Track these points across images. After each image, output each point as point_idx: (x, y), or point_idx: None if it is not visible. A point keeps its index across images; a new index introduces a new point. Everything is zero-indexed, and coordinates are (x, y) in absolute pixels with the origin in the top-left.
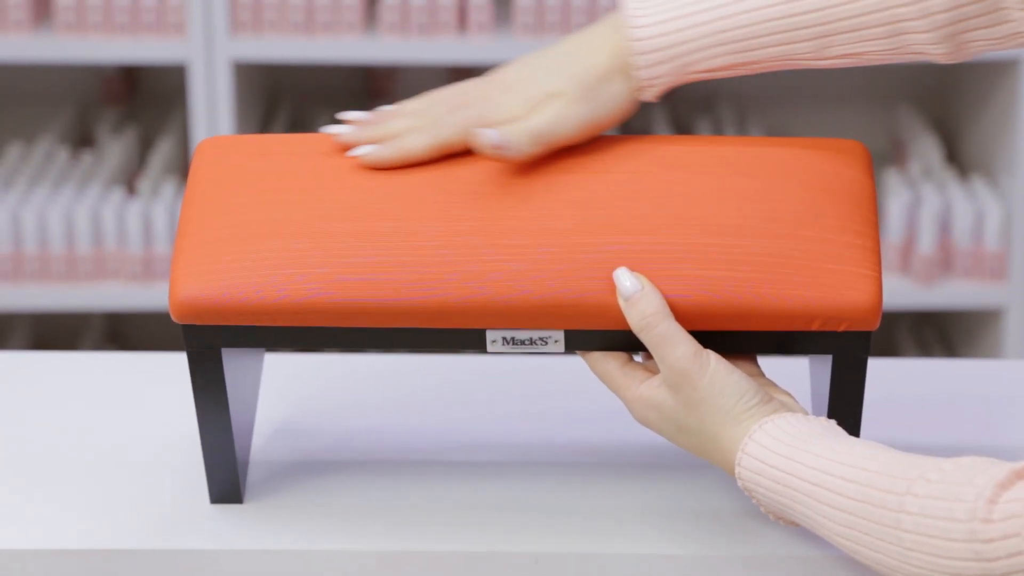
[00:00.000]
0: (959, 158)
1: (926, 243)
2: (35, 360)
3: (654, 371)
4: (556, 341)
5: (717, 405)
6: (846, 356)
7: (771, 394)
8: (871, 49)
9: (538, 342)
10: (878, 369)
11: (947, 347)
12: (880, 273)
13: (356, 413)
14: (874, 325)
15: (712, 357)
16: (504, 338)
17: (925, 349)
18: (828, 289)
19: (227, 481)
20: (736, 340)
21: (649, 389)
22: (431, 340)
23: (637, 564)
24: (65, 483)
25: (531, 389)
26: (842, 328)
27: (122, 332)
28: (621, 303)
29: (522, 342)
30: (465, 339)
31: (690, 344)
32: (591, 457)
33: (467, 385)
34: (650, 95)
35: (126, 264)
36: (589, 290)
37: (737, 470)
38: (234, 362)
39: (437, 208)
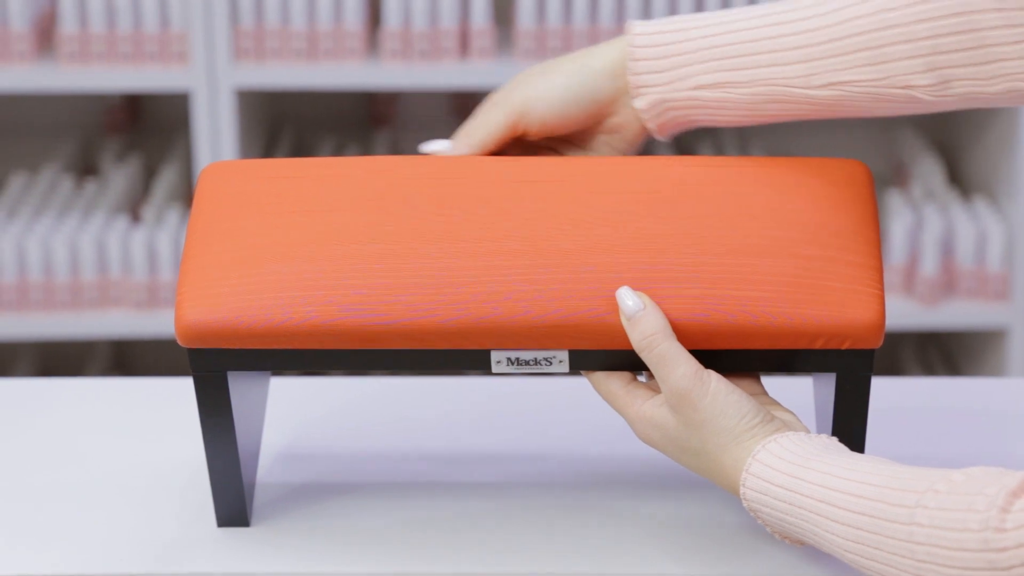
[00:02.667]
0: (961, 179)
1: (929, 264)
2: (39, 386)
3: (657, 390)
4: (560, 361)
5: (719, 426)
6: (850, 374)
7: (773, 413)
8: (857, 78)
9: (542, 362)
10: (882, 388)
11: (951, 368)
12: (882, 291)
13: (362, 436)
14: (877, 343)
15: (713, 377)
16: (509, 359)
17: (929, 370)
18: (831, 308)
19: (234, 505)
20: (739, 359)
21: (652, 408)
22: (436, 361)
23: None
24: (71, 508)
25: (535, 411)
26: (845, 346)
27: (128, 360)
28: (623, 322)
29: (526, 362)
30: (470, 360)
31: (691, 364)
32: (595, 477)
33: (472, 408)
34: (643, 104)
35: (131, 292)
36: (593, 309)
37: (742, 491)
38: (240, 386)
39: (440, 230)
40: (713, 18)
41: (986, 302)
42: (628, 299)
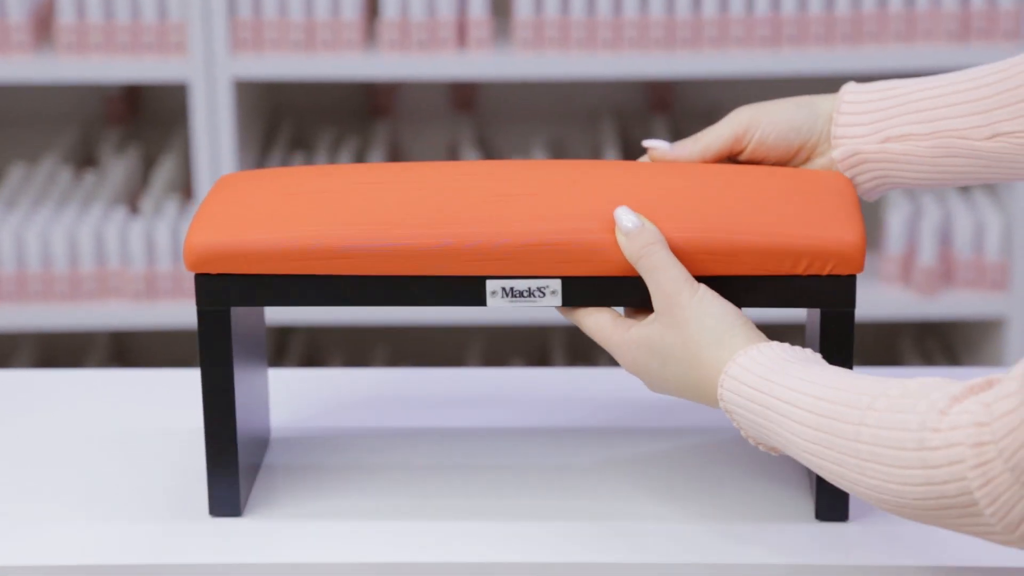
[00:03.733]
0: None
1: (927, 254)
2: (36, 377)
3: (643, 317)
4: (553, 292)
5: (703, 325)
6: (834, 308)
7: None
8: (1020, 128)
9: (536, 293)
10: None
11: (950, 357)
12: (863, 228)
13: (355, 427)
14: (859, 267)
15: (702, 285)
16: (504, 288)
17: (928, 360)
18: (813, 228)
19: (227, 492)
20: (723, 286)
21: (638, 328)
22: (432, 292)
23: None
24: (66, 498)
25: (534, 401)
26: (828, 270)
27: (127, 351)
28: (620, 238)
29: (520, 293)
30: (465, 291)
31: (683, 271)
32: (596, 466)
33: (470, 397)
34: (839, 154)
35: (129, 283)
36: (586, 228)
37: (719, 391)
38: (242, 362)
39: (444, 184)
40: (915, 80)
41: (984, 292)
42: (626, 217)
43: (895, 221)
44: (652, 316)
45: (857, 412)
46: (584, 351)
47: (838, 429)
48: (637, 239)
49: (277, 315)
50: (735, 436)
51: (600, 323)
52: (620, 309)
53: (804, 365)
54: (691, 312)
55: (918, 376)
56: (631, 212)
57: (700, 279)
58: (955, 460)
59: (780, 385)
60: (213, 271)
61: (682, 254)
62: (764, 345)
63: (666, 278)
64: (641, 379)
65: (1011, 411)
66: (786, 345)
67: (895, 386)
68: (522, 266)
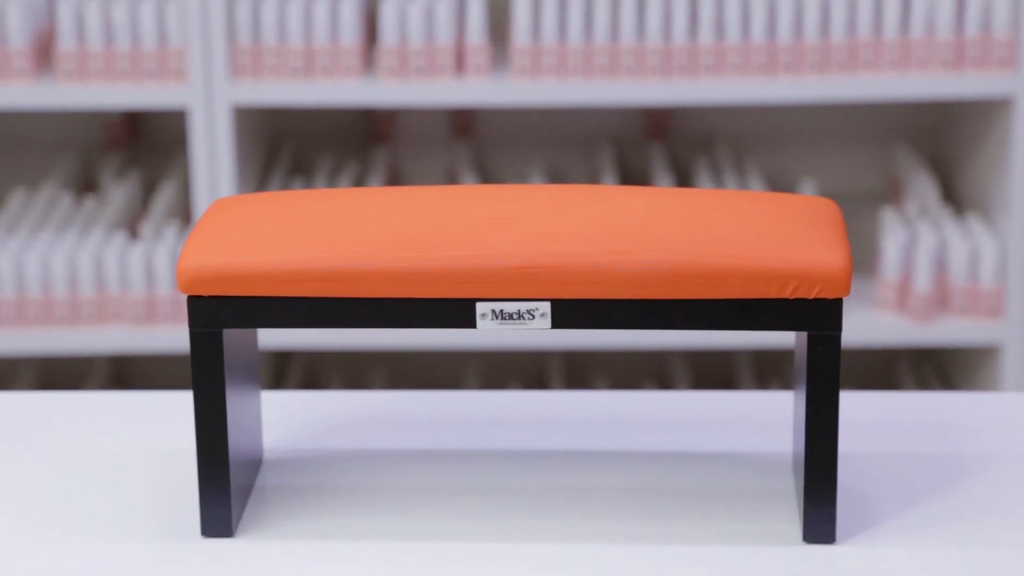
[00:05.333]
0: (955, 196)
1: (923, 281)
2: (31, 399)
3: None
4: (543, 315)
5: None
6: (820, 331)
7: None
8: None
9: (525, 315)
10: (877, 402)
11: (946, 384)
12: (849, 252)
13: (349, 448)
14: (846, 290)
15: None
16: (493, 311)
17: (924, 386)
18: (800, 252)
19: (219, 513)
20: (713, 310)
21: None
22: (423, 314)
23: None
24: (60, 517)
25: (530, 424)
26: (815, 293)
27: (127, 375)
28: None
29: (510, 316)
30: (456, 313)
31: None
32: (588, 489)
33: (466, 420)
34: None
35: (129, 307)
36: (574, 251)
37: None
38: (235, 384)
39: (435, 210)
40: None
41: (980, 319)
42: None
43: (891, 247)
44: None
45: None
46: (581, 375)
47: None
48: None
49: (275, 339)
50: (726, 460)
51: None
52: None
53: None
54: None
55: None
56: None
57: (687, 302)
58: None
59: None
60: (206, 293)
61: (670, 278)
62: None
63: None
64: None
65: None
66: None
67: None
68: (512, 289)
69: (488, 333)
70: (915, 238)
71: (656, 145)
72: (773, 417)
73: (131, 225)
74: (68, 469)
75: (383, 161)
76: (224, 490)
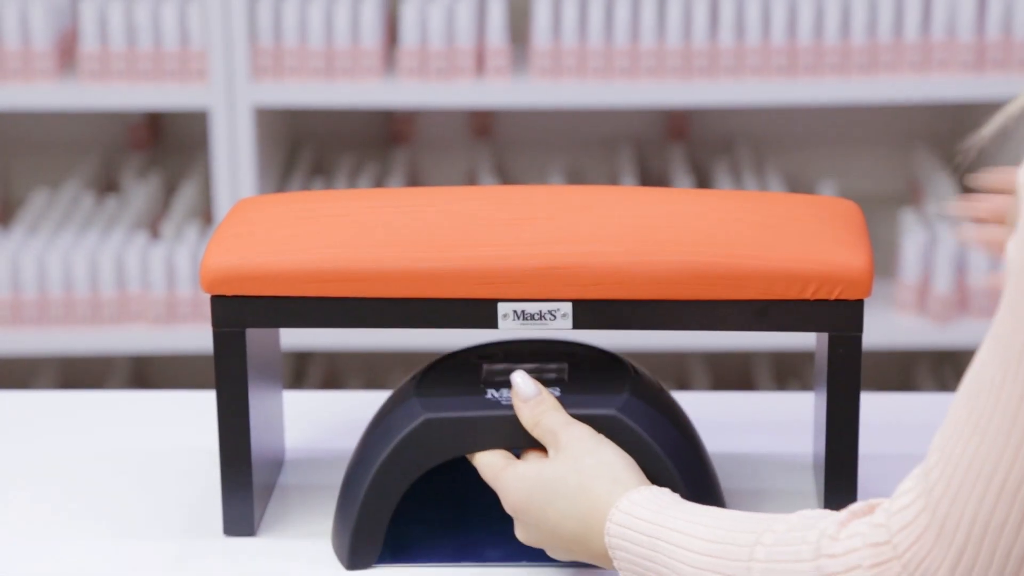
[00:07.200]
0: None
1: (942, 283)
2: (54, 398)
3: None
4: (564, 315)
5: (600, 460)
6: (842, 332)
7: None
8: None
9: (547, 316)
10: (897, 403)
11: None
12: (871, 253)
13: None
14: (867, 291)
15: (604, 438)
16: (515, 311)
17: (943, 388)
18: (821, 253)
19: (241, 512)
20: (734, 311)
21: (525, 463)
22: (445, 314)
23: None
24: (83, 516)
25: None
26: (836, 295)
27: (147, 375)
28: (516, 403)
29: (532, 316)
30: (478, 314)
31: (585, 428)
32: None
33: None
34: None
35: (150, 307)
36: (595, 251)
37: (607, 525)
38: (257, 384)
39: (457, 210)
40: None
41: None
42: (524, 385)
43: (911, 249)
44: (548, 454)
45: (745, 549)
46: None
47: (728, 567)
48: (536, 406)
49: (297, 340)
50: (746, 461)
51: (490, 461)
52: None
53: (684, 504)
54: (590, 451)
55: (799, 511)
56: (529, 380)
57: (708, 303)
58: None
59: (667, 528)
60: (229, 293)
61: (692, 278)
62: (645, 489)
63: (567, 435)
64: (518, 520)
65: (910, 523)
66: (662, 488)
67: (778, 520)
68: (534, 289)
69: (510, 333)
70: (935, 240)
71: (676, 146)
72: (793, 418)
73: (152, 225)
74: (89, 468)
75: (403, 162)
76: (247, 489)
